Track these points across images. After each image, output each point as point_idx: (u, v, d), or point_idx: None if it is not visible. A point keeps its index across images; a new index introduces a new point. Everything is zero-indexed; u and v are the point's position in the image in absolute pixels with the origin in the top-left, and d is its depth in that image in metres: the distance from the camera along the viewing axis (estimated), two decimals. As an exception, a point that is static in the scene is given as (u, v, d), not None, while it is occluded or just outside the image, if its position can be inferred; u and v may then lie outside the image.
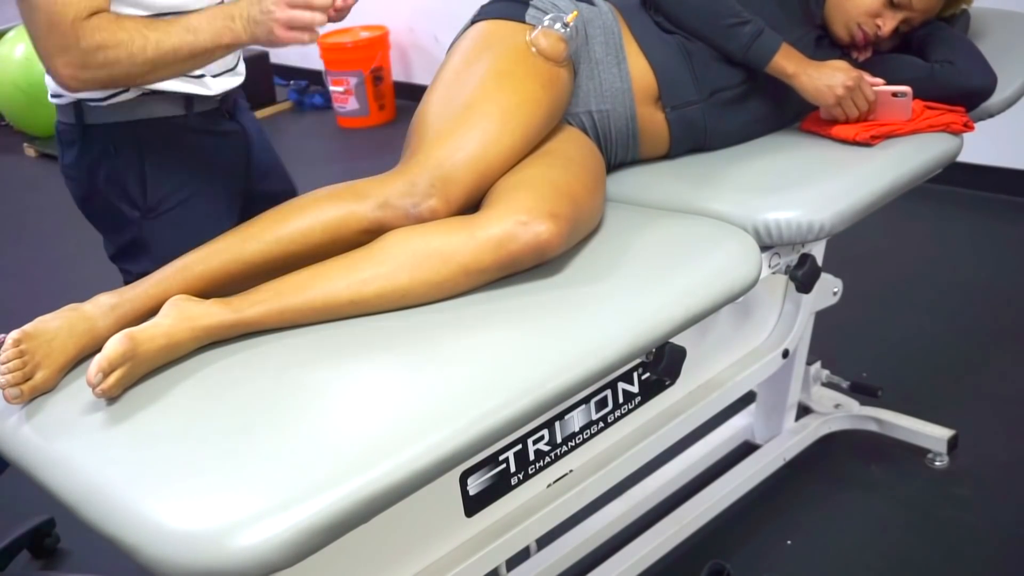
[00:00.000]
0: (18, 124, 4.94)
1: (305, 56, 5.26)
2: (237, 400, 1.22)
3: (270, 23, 1.38)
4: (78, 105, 1.56)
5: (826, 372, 2.27)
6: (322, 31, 1.44)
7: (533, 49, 1.53)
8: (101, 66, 1.41)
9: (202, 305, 1.31)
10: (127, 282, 1.61)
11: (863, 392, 2.24)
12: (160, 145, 1.59)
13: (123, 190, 1.59)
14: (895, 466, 2.16)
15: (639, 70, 1.70)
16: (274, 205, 1.58)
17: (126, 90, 1.53)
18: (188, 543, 1.01)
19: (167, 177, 1.60)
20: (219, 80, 1.63)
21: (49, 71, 1.44)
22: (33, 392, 1.25)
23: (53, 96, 1.60)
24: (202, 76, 1.59)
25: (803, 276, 1.66)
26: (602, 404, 1.50)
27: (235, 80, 1.68)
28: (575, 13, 1.61)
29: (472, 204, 1.47)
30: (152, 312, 1.32)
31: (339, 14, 1.41)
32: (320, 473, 1.07)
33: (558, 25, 1.58)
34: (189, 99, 1.59)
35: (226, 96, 1.66)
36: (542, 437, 1.43)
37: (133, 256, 1.64)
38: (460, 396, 1.18)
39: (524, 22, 1.61)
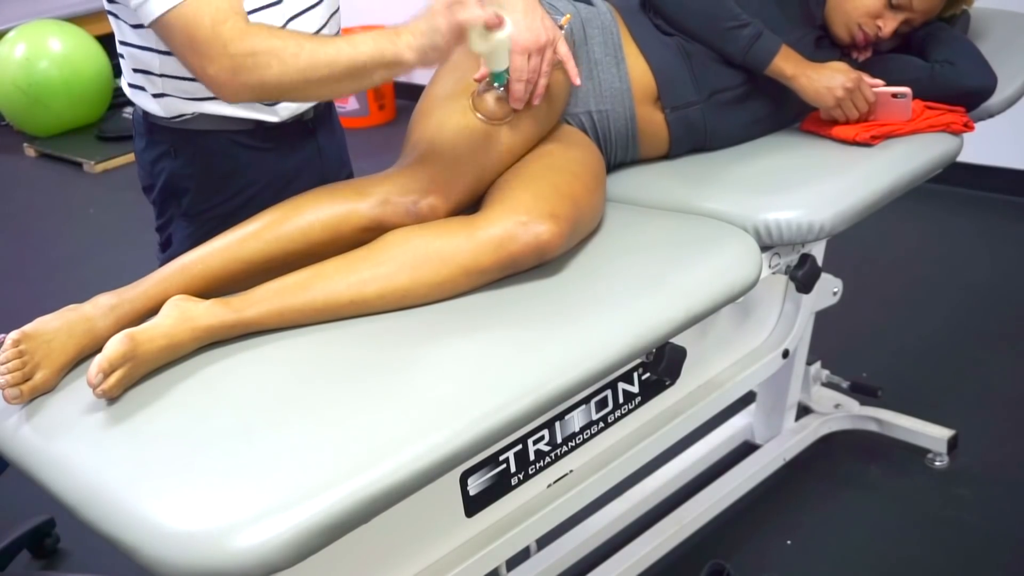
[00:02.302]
0: (18, 124, 4.94)
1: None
2: (237, 400, 1.22)
3: (438, 39, 1.31)
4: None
5: (826, 372, 2.27)
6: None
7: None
8: (252, 70, 1.31)
9: (202, 305, 1.31)
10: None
11: (863, 392, 2.24)
12: (217, 159, 1.56)
13: (174, 191, 1.60)
14: (895, 466, 2.16)
15: (638, 71, 1.70)
16: None
17: (188, 114, 1.51)
18: (188, 543, 1.01)
19: (215, 190, 1.58)
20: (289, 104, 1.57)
21: (206, 84, 1.36)
22: (33, 392, 1.25)
23: (127, 85, 1.56)
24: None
25: (803, 276, 1.66)
26: (602, 404, 1.50)
27: (298, 109, 1.59)
28: (568, 16, 1.61)
29: (472, 202, 1.47)
30: (152, 312, 1.32)
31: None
32: (320, 473, 1.07)
33: (555, 27, 1.58)
34: (257, 123, 1.55)
35: (303, 115, 1.60)
36: (542, 437, 1.43)
37: (171, 254, 1.63)
38: (460, 396, 1.18)
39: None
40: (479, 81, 1.50)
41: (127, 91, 1.58)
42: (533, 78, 1.45)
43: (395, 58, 1.33)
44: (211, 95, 1.45)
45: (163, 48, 1.45)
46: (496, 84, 1.46)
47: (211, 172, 1.57)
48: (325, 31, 1.56)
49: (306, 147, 1.63)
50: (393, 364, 1.26)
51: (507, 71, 1.44)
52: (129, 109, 3.34)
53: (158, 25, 1.35)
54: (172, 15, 1.32)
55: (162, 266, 1.39)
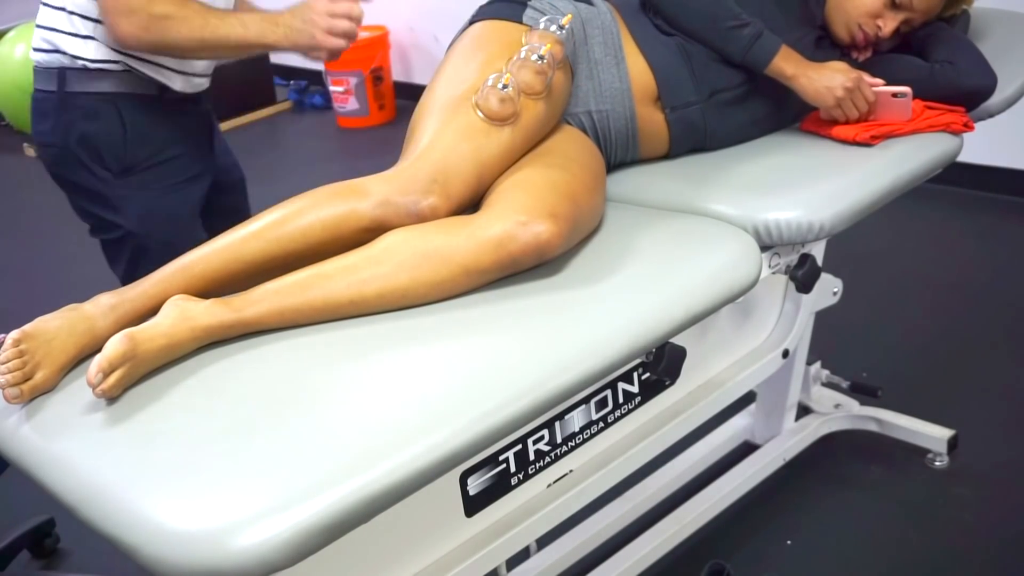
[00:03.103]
0: (18, 124, 4.94)
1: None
2: (237, 400, 1.22)
3: (312, 30, 1.61)
4: (62, 73, 1.72)
5: (826, 372, 2.27)
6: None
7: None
8: (161, 33, 1.60)
9: (202, 305, 1.31)
10: (105, 251, 1.84)
11: (863, 392, 2.24)
12: (138, 114, 1.76)
13: (97, 153, 1.74)
14: (895, 466, 2.16)
15: (638, 70, 1.70)
16: (233, 190, 1.95)
17: (115, 61, 1.71)
18: (188, 543, 1.01)
19: (143, 142, 1.77)
20: (194, 82, 1.83)
21: (111, 28, 1.62)
22: (33, 392, 1.25)
23: (42, 52, 1.73)
24: (185, 73, 1.79)
25: (803, 276, 1.66)
26: (602, 404, 1.50)
27: (203, 85, 1.88)
28: (570, 16, 1.61)
29: (472, 202, 1.47)
30: (152, 312, 1.32)
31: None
32: (320, 473, 1.07)
33: (554, 27, 1.58)
34: (162, 87, 1.77)
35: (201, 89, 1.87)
36: (542, 437, 1.43)
37: (108, 217, 1.78)
38: (460, 396, 1.18)
39: (521, 23, 1.61)
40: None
41: (39, 61, 1.75)
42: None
43: (273, 43, 1.65)
44: (140, 55, 1.70)
45: None
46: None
47: (129, 129, 1.75)
48: None
49: (195, 113, 1.88)
50: (393, 364, 1.26)
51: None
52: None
53: None
54: None
55: (108, 239, 1.56)
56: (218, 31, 1.62)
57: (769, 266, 1.63)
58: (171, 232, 1.79)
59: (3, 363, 1.24)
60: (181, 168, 1.83)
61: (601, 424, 1.51)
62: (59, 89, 1.73)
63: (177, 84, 1.78)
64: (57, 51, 1.72)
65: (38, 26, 1.75)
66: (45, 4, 1.73)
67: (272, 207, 1.44)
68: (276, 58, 5.27)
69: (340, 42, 1.63)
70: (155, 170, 1.79)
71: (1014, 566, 1.88)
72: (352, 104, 4.83)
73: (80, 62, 1.71)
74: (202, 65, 1.81)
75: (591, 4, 1.71)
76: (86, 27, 1.70)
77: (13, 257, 3.87)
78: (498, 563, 1.43)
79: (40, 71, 1.77)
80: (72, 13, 1.70)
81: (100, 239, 1.86)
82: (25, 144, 4.86)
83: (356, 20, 1.63)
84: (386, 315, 1.35)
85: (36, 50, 1.76)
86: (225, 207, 1.96)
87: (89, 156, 1.75)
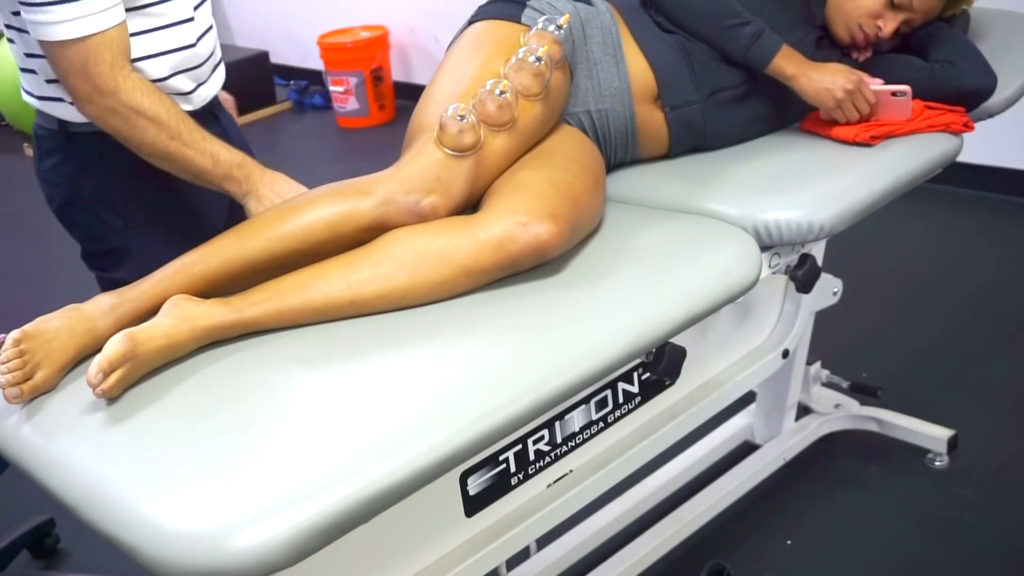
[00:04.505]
0: (18, 124, 4.94)
1: (305, 56, 5.26)
2: (237, 400, 1.22)
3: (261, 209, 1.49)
4: (62, 120, 1.56)
5: (826, 372, 2.27)
6: None
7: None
8: (126, 124, 1.44)
9: (202, 305, 1.31)
10: (100, 283, 1.67)
11: (863, 392, 2.24)
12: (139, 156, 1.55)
13: (108, 199, 1.60)
14: (895, 466, 2.16)
15: (638, 70, 1.70)
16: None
17: None
18: (188, 543, 1.01)
19: (153, 185, 1.59)
20: (206, 87, 1.64)
21: (77, 103, 1.45)
22: (33, 392, 1.25)
23: (34, 97, 1.57)
24: (195, 90, 1.60)
25: (803, 276, 1.66)
26: (602, 404, 1.50)
27: (219, 82, 1.69)
28: (568, 16, 1.61)
29: (472, 202, 1.47)
30: (152, 312, 1.32)
31: None
32: (320, 473, 1.07)
33: (552, 27, 1.58)
34: None
35: (209, 102, 1.67)
36: (542, 437, 1.43)
37: (110, 263, 1.64)
38: (460, 396, 1.18)
39: (520, 23, 1.61)
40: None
41: (36, 105, 1.58)
42: None
43: (231, 195, 1.53)
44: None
45: None
46: None
47: (142, 168, 1.54)
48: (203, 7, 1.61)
49: (212, 129, 1.63)
50: (393, 364, 1.26)
51: None
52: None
53: (54, 47, 1.40)
54: (75, 46, 1.39)
55: (113, 283, 1.41)
56: (183, 152, 1.48)
57: (769, 266, 1.63)
58: None
59: (3, 363, 1.24)
60: (199, 194, 1.62)
61: (601, 424, 1.51)
62: (61, 129, 1.57)
63: (186, 107, 1.58)
64: (50, 100, 1.55)
65: (23, 89, 1.59)
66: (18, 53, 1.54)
67: (272, 207, 1.44)
68: (276, 58, 5.27)
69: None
70: (173, 216, 1.63)
71: (1014, 566, 1.88)
72: (352, 104, 4.83)
73: (80, 119, 1.53)
74: (206, 70, 1.62)
75: (590, 4, 1.71)
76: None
77: (13, 257, 3.87)
78: (498, 563, 1.43)
79: (39, 109, 1.60)
80: (51, 82, 1.51)
81: (93, 269, 1.70)
82: (25, 144, 4.86)
83: None
84: (386, 315, 1.35)
85: (26, 90, 1.58)
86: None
87: (101, 203, 1.60)
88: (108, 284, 1.60)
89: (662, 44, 1.71)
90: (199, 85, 1.61)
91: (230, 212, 1.68)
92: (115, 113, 1.43)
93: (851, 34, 1.81)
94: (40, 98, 1.57)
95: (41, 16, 1.37)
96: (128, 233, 1.62)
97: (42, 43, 1.41)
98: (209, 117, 1.67)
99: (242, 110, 5.03)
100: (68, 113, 1.53)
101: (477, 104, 1.47)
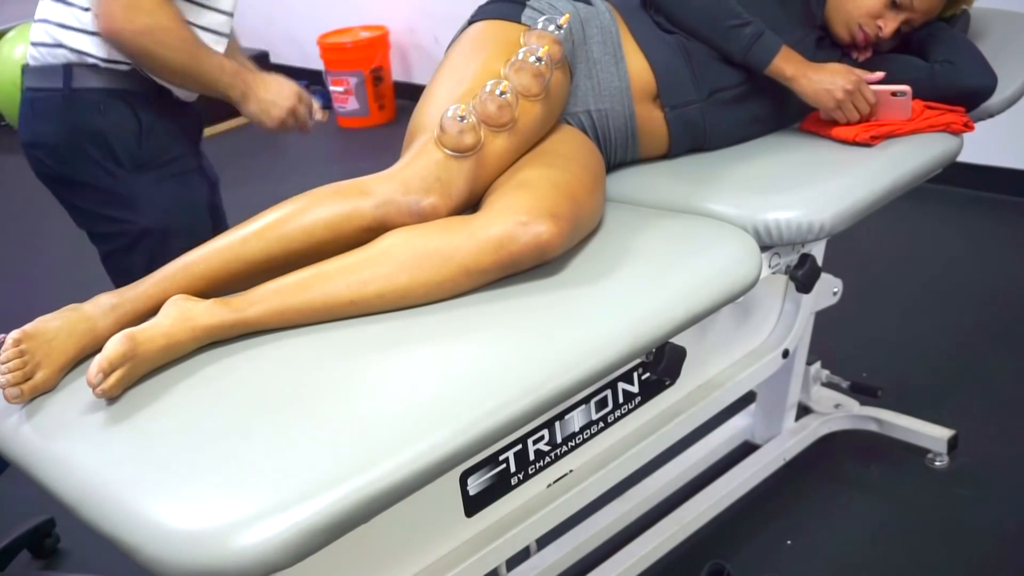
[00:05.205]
0: (17, 124, 4.93)
1: (305, 56, 5.26)
2: (237, 400, 1.22)
3: (270, 110, 1.73)
4: (67, 69, 1.69)
5: (826, 372, 2.27)
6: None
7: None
8: (149, 37, 1.60)
9: (202, 305, 1.31)
10: (103, 257, 1.80)
11: (863, 392, 2.24)
12: (150, 110, 1.74)
13: (109, 149, 1.72)
14: (895, 466, 2.16)
15: (637, 69, 1.70)
16: (214, 190, 1.89)
17: (123, 61, 1.68)
18: (188, 543, 1.01)
19: (156, 138, 1.75)
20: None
21: (99, 19, 1.60)
22: (33, 392, 1.25)
23: (43, 47, 1.70)
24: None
25: (803, 276, 1.66)
26: (602, 404, 1.50)
27: (195, 94, 1.85)
28: (567, 16, 1.61)
29: (472, 202, 1.47)
30: (152, 312, 1.32)
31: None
32: (320, 473, 1.07)
33: (552, 27, 1.58)
34: (164, 89, 1.76)
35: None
36: (542, 437, 1.43)
37: (120, 217, 1.75)
38: (460, 396, 1.18)
39: (520, 23, 1.61)
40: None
41: (48, 38, 1.70)
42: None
43: (234, 99, 1.72)
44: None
45: None
46: None
47: (144, 124, 1.73)
48: None
49: (191, 114, 1.86)
50: (393, 364, 1.26)
51: None
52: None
53: None
54: None
55: (115, 288, 1.42)
56: (196, 63, 1.65)
57: (769, 266, 1.63)
58: (191, 222, 1.78)
59: (3, 363, 1.24)
60: (187, 165, 1.81)
61: (601, 424, 1.51)
62: (65, 86, 1.69)
63: (180, 93, 1.78)
64: (61, 46, 1.68)
65: (38, 20, 1.72)
66: None
67: (273, 206, 1.44)
68: (276, 58, 5.27)
69: (279, 130, 1.75)
70: (167, 166, 1.77)
71: (1014, 566, 1.88)
72: (352, 104, 4.83)
73: (88, 59, 1.68)
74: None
75: (590, 3, 1.71)
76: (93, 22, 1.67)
77: (13, 257, 3.87)
78: (498, 563, 1.43)
79: (38, 69, 1.73)
80: (75, 6, 1.67)
81: (106, 252, 1.82)
82: (25, 144, 4.85)
83: (307, 126, 1.78)
84: (386, 315, 1.35)
85: (36, 44, 1.72)
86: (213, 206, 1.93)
87: (100, 153, 1.72)
88: (125, 261, 1.76)
89: (662, 44, 1.71)
90: None
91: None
92: (136, 32, 1.59)
93: (851, 34, 1.81)
94: (62, 28, 1.68)
95: None
96: (130, 178, 1.73)
97: None
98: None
99: (242, 110, 5.03)
100: (87, 45, 1.67)
101: (477, 105, 1.47)
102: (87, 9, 1.65)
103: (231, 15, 1.78)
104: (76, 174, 1.75)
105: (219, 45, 1.75)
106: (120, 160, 1.73)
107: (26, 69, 1.75)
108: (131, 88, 1.71)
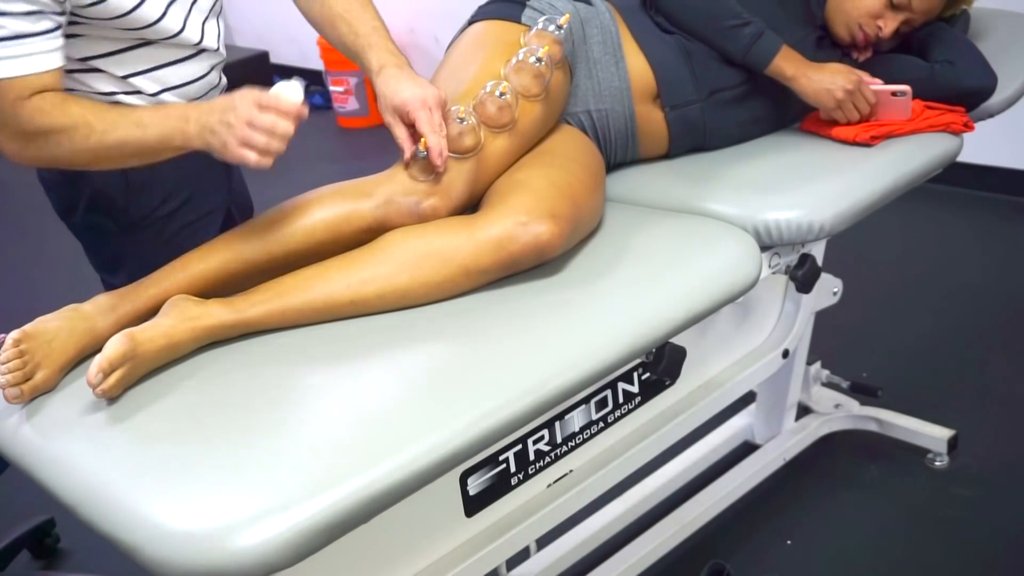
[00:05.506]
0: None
1: (305, 56, 5.26)
2: (237, 400, 1.22)
3: (226, 136, 1.29)
4: None
5: (826, 372, 2.27)
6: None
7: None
8: (42, 148, 1.36)
9: (202, 305, 1.31)
10: (106, 287, 1.60)
11: (863, 392, 2.24)
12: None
13: (106, 204, 1.56)
14: (895, 466, 2.16)
15: (637, 69, 1.70)
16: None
17: (109, 93, 1.45)
18: (188, 543, 1.01)
19: (149, 190, 1.56)
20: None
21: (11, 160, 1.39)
22: (33, 392, 1.25)
23: None
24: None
25: (803, 276, 1.66)
26: (602, 404, 1.50)
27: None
28: (568, 16, 1.61)
29: (472, 202, 1.47)
30: (152, 312, 1.32)
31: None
32: (320, 473, 1.07)
33: (552, 27, 1.58)
34: None
35: None
36: (542, 437, 1.43)
37: (112, 269, 1.62)
38: (460, 396, 1.18)
39: (520, 23, 1.61)
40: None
41: None
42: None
43: (182, 145, 1.34)
44: (134, 89, 1.46)
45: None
46: (420, 154, 1.41)
47: (130, 179, 1.52)
48: (211, 76, 1.54)
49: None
50: (392, 364, 1.26)
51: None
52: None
53: None
54: None
55: (117, 288, 1.38)
56: (107, 139, 1.33)
57: (769, 266, 1.63)
58: None
59: (3, 363, 1.23)
60: (191, 210, 1.61)
61: (601, 424, 1.51)
62: None
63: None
64: None
65: None
66: None
67: (273, 207, 1.44)
68: (276, 58, 5.27)
69: (251, 156, 1.29)
70: (160, 223, 1.58)
71: (1014, 566, 1.88)
72: (352, 104, 4.83)
73: None
74: (197, 88, 1.52)
75: (590, 3, 1.71)
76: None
77: (13, 257, 3.87)
78: (498, 563, 1.43)
79: None
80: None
81: (103, 279, 1.67)
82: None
83: (280, 136, 1.29)
84: (386, 315, 1.35)
85: None
86: None
87: (101, 210, 1.56)
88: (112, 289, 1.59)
89: (662, 44, 1.71)
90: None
91: (226, 219, 1.68)
92: (25, 147, 1.36)
93: (851, 34, 1.81)
94: None
95: None
96: (125, 237, 1.58)
97: None
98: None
99: (242, 110, 5.03)
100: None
101: (477, 106, 1.47)
102: None
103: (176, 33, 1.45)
104: (77, 225, 1.61)
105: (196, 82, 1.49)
106: (114, 217, 1.56)
107: None
108: None
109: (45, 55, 1.33)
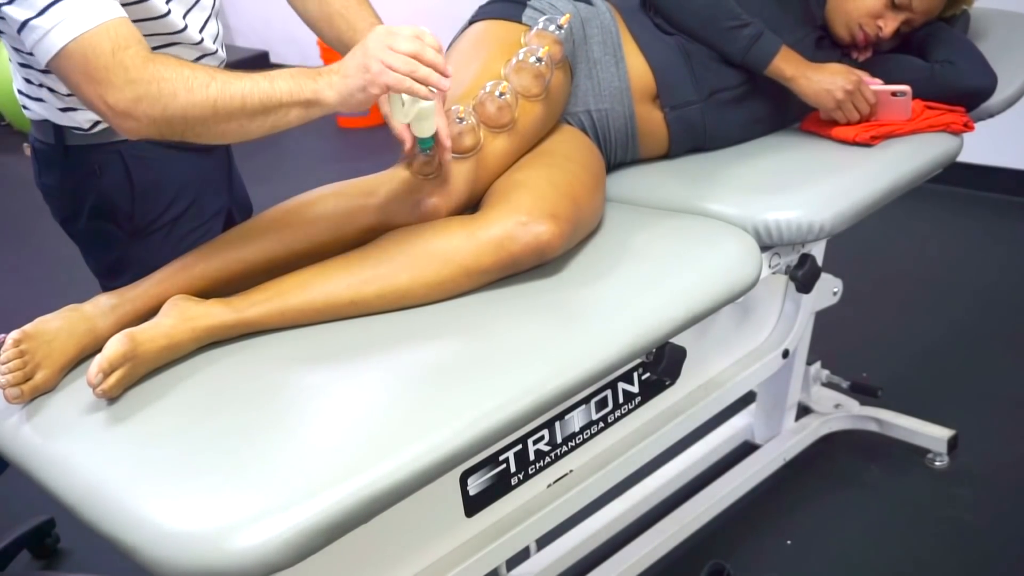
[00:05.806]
0: (18, 124, 4.94)
1: (305, 56, 5.26)
2: (237, 400, 1.22)
3: (368, 63, 1.22)
4: (58, 129, 1.48)
5: (826, 372, 2.27)
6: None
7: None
8: (156, 99, 1.20)
9: (203, 305, 1.31)
10: (105, 291, 1.56)
11: (863, 392, 2.24)
12: (146, 164, 1.52)
13: (112, 211, 1.54)
14: (895, 466, 2.16)
15: (637, 69, 1.70)
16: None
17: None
18: (188, 543, 1.01)
19: (155, 196, 1.55)
20: None
21: (104, 115, 1.24)
22: (33, 392, 1.25)
23: (25, 109, 1.51)
24: None
25: (803, 276, 1.66)
26: (602, 404, 1.50)
27: None
28: (568, 16, 1.61)
29: (472, 202, 1.47)
30: (152, 312, 1.32)
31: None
32: (320, 473, 1.07)
33: (552, 27, 1.58)
34: None
35: None
36: (542, 437, 1.43)
37: (115, 275, 1.59)
38: (460, 396, 1.18)
39: (520, 23, 1.62)
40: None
41: (27, 115, 1.51)
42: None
43: (313, 96, 1.25)
44: None
45: None
46: (423, 149, 1.39)
47: (142, 178, 1.51)
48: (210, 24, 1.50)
49: (211, 151, 1.61)
50: (392, 364, 1.26)
51: (433, 138, 1.38)
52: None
53: (57, 60, 1.22)
54: (72, 47, 1.20)
55: (116, 289, 1.37)
56: (230, 88, 1.22)
57: (769, 266, 1.63)
58: None
59: (3, 363, 1.24)
60: (195, 215, 1.59)
61: (601, 424, 1.51)
62: (57, 143, 1.50)
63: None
64: (42, 100, 1.48)
65: (17, 89, 1.50)
66: (12, 61, 1.44)
67: (274, 207, 1.44)
68: (276, 58, 5.27)
69: (396, 77, 1.21)
70: (166, 229, 1.56)
71: (1014, 566, 1.88)
72: (352, 104, 4.82)
73: (75, 130, 1.48)
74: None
75: (590, 3, 1.71)
76: (64, 101, 1.44)
77: (13, 257, 3.87)
78: (498, 563, 1.43)
79: (33, 121, 1.53)
80: (45, 87, 1.44)
81: (103, 284, 1.64)
82: (25, 144, 4.85)
83: (430, 62, 1.25)
84: (386, 315, 1.35)
85: (20, 93, 1.50)
86: None
87: (105, 216, 1.54)
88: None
89: (662, 45, 1.71)
90: None
91: (227, 221, 1.67)
92: (137, 100, 1.20)
93: (851, 34, 1.81)
94: (33, 100, 1.50)
95: (31, 35, 1.22)
96: (131, 243, 1.57)
97: (51, 66, 1.25)
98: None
99: (242, 110, 5.02)
100: (61, 120, 1.47)
101: (477, 106, 1.47)
102: (54, 91, 1.43)
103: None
104: (79, 232, 1.60)
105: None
106: (119, 223, 1.55)
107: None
108: (123, 139, 1.46)
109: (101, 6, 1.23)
